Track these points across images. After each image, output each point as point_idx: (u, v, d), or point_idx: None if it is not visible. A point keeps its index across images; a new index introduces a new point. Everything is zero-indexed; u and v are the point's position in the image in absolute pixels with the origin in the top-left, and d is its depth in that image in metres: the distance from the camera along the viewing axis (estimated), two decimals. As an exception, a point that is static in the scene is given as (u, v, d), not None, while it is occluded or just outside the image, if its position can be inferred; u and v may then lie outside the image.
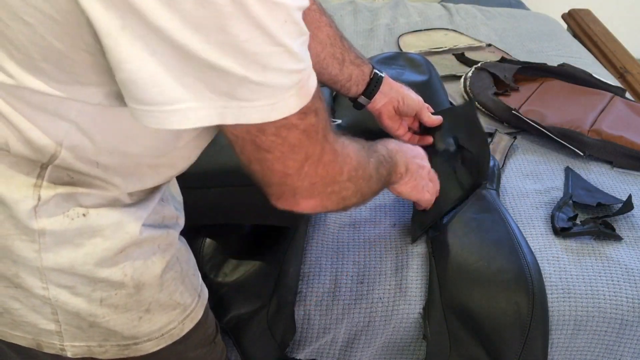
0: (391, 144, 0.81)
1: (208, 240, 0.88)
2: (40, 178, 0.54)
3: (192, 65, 0.45)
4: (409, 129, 1.05)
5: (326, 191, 0.61)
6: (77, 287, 0.58)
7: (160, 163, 0.60)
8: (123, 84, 0.47)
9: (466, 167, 1.01)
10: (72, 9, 0.44)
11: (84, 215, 0.57)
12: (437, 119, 1.03)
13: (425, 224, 0.96)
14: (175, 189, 0.73)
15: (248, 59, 0.46)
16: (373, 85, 0.97)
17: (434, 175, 0.93)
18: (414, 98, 1.01)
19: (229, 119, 0.49)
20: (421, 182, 0.88)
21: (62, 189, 0.55)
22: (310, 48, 0.81)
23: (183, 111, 0.47)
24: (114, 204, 0.59)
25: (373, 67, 0.97)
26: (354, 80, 0.96)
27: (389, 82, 0.99)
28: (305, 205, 0.61)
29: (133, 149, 0.57)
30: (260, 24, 0.45)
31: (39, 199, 0.54)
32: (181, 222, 0.69)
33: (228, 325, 0.84)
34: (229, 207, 0.86)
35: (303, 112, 0.52)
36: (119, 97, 0.50)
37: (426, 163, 0.89)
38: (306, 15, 0.88)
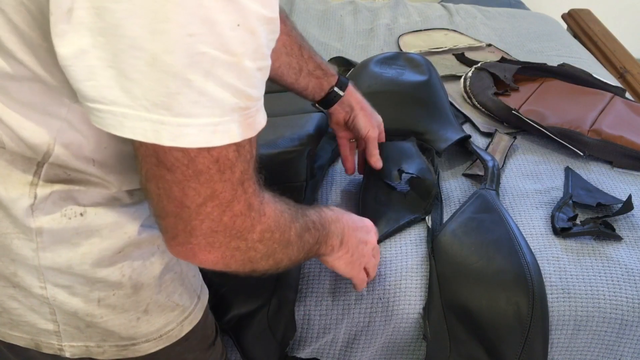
0: (329, 212, 0.72)
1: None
2: (36, 176, 0.54)
3: (133, 60, 0.41)
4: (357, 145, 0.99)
5: (230, 245, 0.53)
6: (74, 286, 0.58)
7: None
8: (62, 67, 0.44)
9: (415, 191, 1.02)
10: None
11: (81, 214, 0.56)
12: (376, 161, 0.97)
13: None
14: None
15: (191, 59, 0.42)
16: (330, 100, 0.93)
17: (377, 251, 0.84)
18: (364, 128, 0.94)
19: (166, 138, 0.43)
20: (360, 259, 0.78)
21: (58, 187, 0.55)
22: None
23: (118, 116, 0.43)
24: (113, 203, 0.58)
25: (335, 84, 0.92)
26: (310, 91, 0.92)
27: (349, 100, 0.93)
28: (203, 258, 0.53)
29: (123, 146, 0.56)
30: (209, 18, 0.41)
31: (35, 197, 0.54)
32: None
33: (228, 325, 0.84)
34: None
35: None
36: None
37: (372, 238, 0.80)
38: None
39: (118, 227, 0.58)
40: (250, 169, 0.52)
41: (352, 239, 0.76)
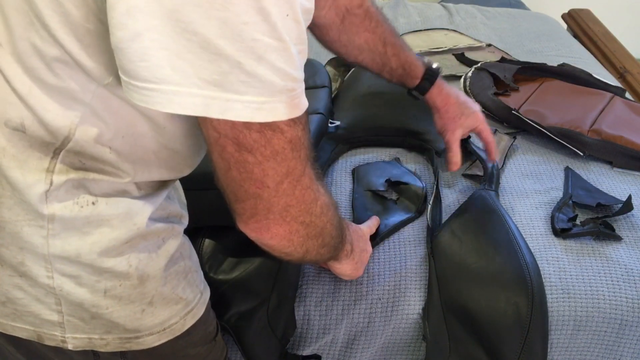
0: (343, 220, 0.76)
1: (207, 239, 0.88)
2: (53, 162, 0.55)
3: (186, 42, 0.44)
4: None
5: (298, 220, 0.59)
6: (82, 276, 0.59)
7: (165, 156, 0.61)
8: (115, 50, 0.47)
9: (405, 197, 1.04)
10: None
11: (93, 203, 0.57)
12: (453, 163, 1.02)
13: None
14: (180, 191, 0.74)
15: (245, 44, 0.45)
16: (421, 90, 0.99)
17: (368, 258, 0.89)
18: (441, 127, 1.01)
19: (215, 112, 0.47)
20: (362, 266, 0.85)
21: (74, 174, 0.56)
22: (349, 52, 0.90)
23: (168, 94, 0.46)
24: (123, 194, 0.59)
25: (416, 86, 0.99)
26: (397, 81, 0.99)
27: (432, 101, 1.00)
28: (275, 231, 0.58)
29: (139, 138, 0.57)
30: (263, 9, 0.45)
31: (51, 183, 0.55)
32: (185, 220, 0.70)
33: (229, 322, 0.84)
34: (227, 209, 0.86)
35: (292, 121, 0.51)
36: None
37: (369, 247, 0.87)
38: (345, 18, 0.90)
39: (128, 217, 0.59)
40: (311, 151, 0.57)
41: (357, 247, 0.82)
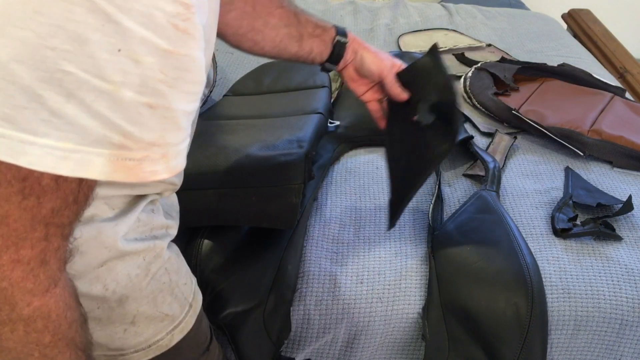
0: None
1: (206, 239, 0.88)
2: None
3: None
4: (380, 99, 0.93)
5: None
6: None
7: None
8: None
9: (436, 131, 0.89)
10: None
11: None
12: (399, 93, 0.88)
13: (400, 208, 0.91)
14: (171, 198, 0.68)
15: (49, 74, 0.36)
16: (336, 53, 0.88)
17: None
18: (373, 65, 0.87)
19: (1, 153, 0.37)
20: None
21: None
22: (265, 36, 0.67)
23: None
24: (91, 219, 0.54)
25: (336, 34, 0.88)
26: (316, 52, 0.88)
27: (354, 47, 0.88)
28: None
29: None
30: (80, 35, 0.35)
31: None
32: (172, 231, 0.65)
33: (224, 321, 0.84)
34: (225, 209, 0.86)
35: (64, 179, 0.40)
36: None
37: None
38: (257, 3, 0.84)
39: (98, 242, 0.54)
40: (68, 218, 0.43)
41: None
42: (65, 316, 0.46)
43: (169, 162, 0.42)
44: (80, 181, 0.41)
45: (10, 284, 0.41)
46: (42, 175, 0.39)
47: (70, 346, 0.48)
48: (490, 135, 1.22)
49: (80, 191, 0.42)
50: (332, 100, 1.21)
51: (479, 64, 1.39)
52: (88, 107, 0.37)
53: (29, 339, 0.44)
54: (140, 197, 0.58)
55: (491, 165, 1.07)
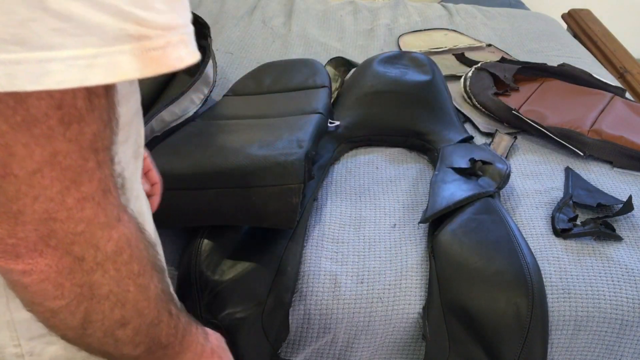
0: (206, 344, 0.56)
1: (206, 239, 0.88)
2: None
3: None
4: None
5: (69, 248, 0.38)
6: (50, 334, 0.49)
7: None
8: None
9: (489, 176, 1.03)
10: None
11: None
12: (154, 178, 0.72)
13: (437, 211, 0.95)
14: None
15: None
16: None
17: None
18: None
19: (25, 82, 0.32)
20: None
21: None
22: None
23: None
24: None
25: None
26: None
27: None
28: (30, 261, 0.38)
29: None
30: None
31: None
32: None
33: (223, 322, 0.84)
34: (226, 209, 0.86)
35: (86, 100, 0.35)
36: None
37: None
38: None
39: None
40: (109, 140, 0.39)
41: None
42: (142, 239, 0.43)
43: (188, 46, 0.38)
44: (108, 96, 0.37)
45: (87, 224, 0.38)
46: (74, 96, 0.35)
47: (156, 269, 0.45)
48: (490, 135, 1.22)
49: (110, 108, 0.38)
50: (332, 100, 1.21)
51: (479, 64, 1.39)
52: (94, 2, 0.33)
53: (121, 275, 0.41)
54: None
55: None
